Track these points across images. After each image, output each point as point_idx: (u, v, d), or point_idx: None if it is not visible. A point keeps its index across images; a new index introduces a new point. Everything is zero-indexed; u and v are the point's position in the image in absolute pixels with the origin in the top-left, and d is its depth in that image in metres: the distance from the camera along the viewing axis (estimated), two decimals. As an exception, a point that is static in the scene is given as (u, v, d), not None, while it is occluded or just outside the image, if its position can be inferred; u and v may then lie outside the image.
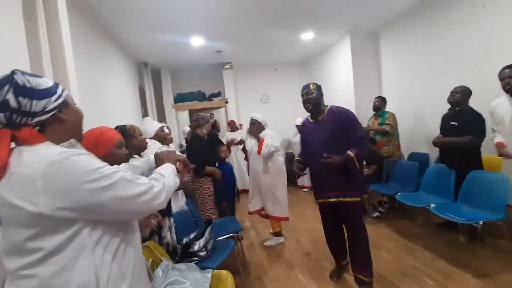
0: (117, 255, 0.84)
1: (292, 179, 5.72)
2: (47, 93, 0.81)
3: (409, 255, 2.55)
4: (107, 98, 3.19)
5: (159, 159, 1.17)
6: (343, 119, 2.02)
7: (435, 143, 2.88)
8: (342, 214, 2.12)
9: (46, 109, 0.80)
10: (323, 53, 5.58)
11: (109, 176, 0.78)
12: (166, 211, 1.82)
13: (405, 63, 4.20)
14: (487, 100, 2.57)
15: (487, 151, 2.71)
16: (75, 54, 2.11)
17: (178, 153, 3.12)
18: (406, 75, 4.18)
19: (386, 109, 3.87)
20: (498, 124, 2.46)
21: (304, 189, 5.32)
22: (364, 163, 3.81)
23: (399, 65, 4.33)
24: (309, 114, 2.25)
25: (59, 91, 0.84)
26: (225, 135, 5.30)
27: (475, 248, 2.49)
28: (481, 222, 2.22)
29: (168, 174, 1.00)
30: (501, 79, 2.34)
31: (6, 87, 0.74)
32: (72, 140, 0.86)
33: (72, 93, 1.93)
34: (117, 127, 1.84)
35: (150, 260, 1.57)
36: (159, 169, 1.03)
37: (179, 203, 2.29)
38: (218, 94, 6.09)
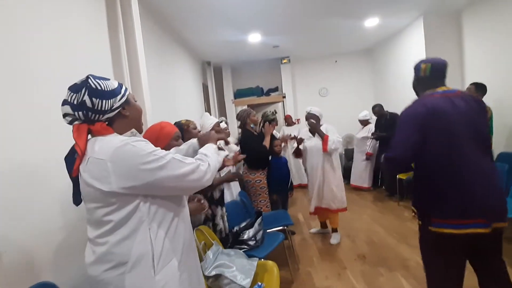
0: (169, 231, 0.97)
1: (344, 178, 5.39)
2: (113, 93, 0.96)
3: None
4: (176, 95, 3.55)
5: (202, 141, 1.29)
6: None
7: None
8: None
9: (113, 107, 0.95)
10: (390, 39, 5.06)
11: (162, 158, 0.90)
12: (219, 200, 1.96)
13: (494, 49, 3.49)
14: None
15: None
16: (148, 57, 2.42)
17: (234, 146, 3.29)
18: (496, 63, 3.47)
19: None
20: None
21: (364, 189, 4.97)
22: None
23: (487, 51, 3.61)
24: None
25: (122, 91, 0.99)
26: (281, 130, 5.33)
27: None
28: None
29: (211, 153, 1.10)
30: None
31: (83, 90, 0.91)
32: (133, 130, 1.01)
33: (143, 92, 2.23)
34: (175, 123, 2.06)
35: (203, 242, 1.72)
36: (203, 149, 1.14)
37: (232, 194, 2.42)
38: (275, 89, 6.13)
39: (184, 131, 1.98)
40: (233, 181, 2.36)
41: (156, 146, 0.98)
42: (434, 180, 1.39)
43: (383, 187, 4.71)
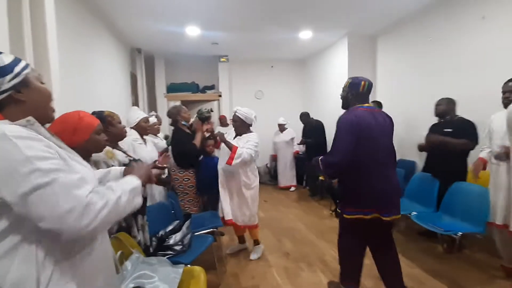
0: (65, 250, 0.76)
1: (273, 179, 5.72)
2: (1, 71, 0.74)
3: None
4: (95, 80, 3.10)
5: (128, 173, 1.04)
6: None
7: (429, 140, 2.78)
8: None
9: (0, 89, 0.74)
10: (321, 53, 5.54)
11: (44, 173, 0.67)
12: (138, 210, 1.75)
13: (400, 69, 4.19)
14: (479, 111, 2.62)
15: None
16: (60, 32, 2.02)
17: (163, 144, 3.03)
18: (400, 81, 4.17)
19: None
20: (491, 140, 2.31)
21: (291, 189, 5.31)
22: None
23: (394, 71, 4.32)
24: None
25: (17, 69, 0.78)
26: (216, 130, 5.24)
27: (452, 259, 2.51)
28: (459, 234, 2.24)
29: (124, 190, 0.83)
30: (503, 92, 2.17)
31: None
32: (31, 118, 0.76)
33: (51, 72, 1.85)
34: (94, 113, 1.77)
35: (119, 252, 1.52)
36: (120, 182, 0.88)
37: (154, 196, 2.23)
38: (212, 87, 6.01)
39: (107, 123, 1.72)
40: (159, 185, 2.13)
41: (73, 139, 0.80)
42: (352, 179, 1.78)
43: (307, 187, 5.12)
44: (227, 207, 2.57)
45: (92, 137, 1.34)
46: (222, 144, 2.51)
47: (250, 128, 2.64)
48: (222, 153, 2.59)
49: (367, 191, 1.74)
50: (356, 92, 1.85)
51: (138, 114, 2.36)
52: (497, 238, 2.23)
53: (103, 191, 0.77)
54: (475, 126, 2.60)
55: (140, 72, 5.03)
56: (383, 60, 4.57)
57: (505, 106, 2.13)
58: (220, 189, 2.60)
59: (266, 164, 6.07)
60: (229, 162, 2.39)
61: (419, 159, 3.65)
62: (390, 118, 1.92)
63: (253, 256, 2.67)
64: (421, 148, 2.93)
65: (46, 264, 0.72)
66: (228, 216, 2.57)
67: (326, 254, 2.76)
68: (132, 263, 1.50)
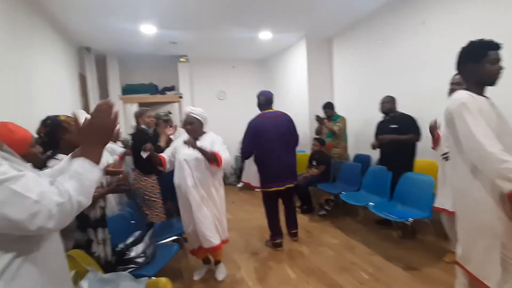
0: (4, 275, 0.67)
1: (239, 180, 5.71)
2: None
3: (349, 251, 2.71)
4: (35, 82, 2.77)
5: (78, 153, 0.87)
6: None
7: (381, 140, 3.03)
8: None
9: None
10: (281, 54, 5.66)
11: None
12: (99, 221, 1.62)
13: (353, 70, 4.46)
14: (420, 107, 2.95)
15: (420, 155, 3.00)
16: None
17: (117, 148, 2.84)
18: (355, 81, 4.44)
19: (338, 113, 4.05)
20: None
21: (256, 189, 5.33)
22: (314, 163, 3.96)
23: (349, 71, 4.58)
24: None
25: None
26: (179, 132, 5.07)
27: (406, 243, 2.74)
28: (410, 220, 2.45)
29: (79, 178, 0.75)
30: (451, 83, 2.20)
31: None
32: None
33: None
34: (48, 118, 1.58)
35: (73, 272, 1.38)
36: (74, 165, 0.78)
37: (112, 206, 2.07)
38: (172, 88, 5.78)
39: (63, 130, 1.54)
40: (119, 192, 1.93)
41: None
42: (260, 163, 2.81)
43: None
44: (193, 232, 2.19)
45: (30, 151, 1.20)
46: (178, 155, 2.19)
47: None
48: (179, 165, 2.19)
49: (267, 170, 2.76)
50: (259, 103, 2.89)
51: (85, 118, 2.11)
52: (445, 224, 2.33)
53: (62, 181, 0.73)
54: (415, 121, 2.91)
55: (90, 72, 4.64)
56: (338, 61, 4.81)
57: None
58: (182, 213, 2.22)
59: (231, 165, 6.03)
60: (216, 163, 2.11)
61: (373, 153, 3.92)
62: (288, 117, 2.88)
63: (221, 276, 2.35)
64: (373, 147, 3.16)
65: None
66: (196, 243, 2.24)
67: (294, 249, 2.83)
68: (89, 282, 1.38)
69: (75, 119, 0.89)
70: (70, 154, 0.97)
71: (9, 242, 0.69)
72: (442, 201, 2.26)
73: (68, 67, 3.87)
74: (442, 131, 2.26)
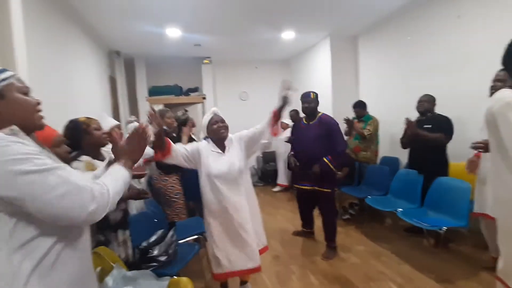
0: (42, 265, 0.72)
1: (269, 179, 5.68)
2: None
3: (376, 259, 2.57)
4: (70, 85, 2.94)
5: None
6: (328, 126, 2.62)
7: (408, 128, 2.78)
8: (316, 199, 2.80)
9: None
10: (304, 53, 5.56)
11: (39, 165, 0.70)
12: (120, 223, 1.65)
13: (381, 69, 4.26)
14: (455, 108, 2.74)
15: (454, 158, 2.79)
16: (29, 36, 1.89)
17: (148, 152, 2.93)
18: (382, 80, 4.24)
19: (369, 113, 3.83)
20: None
21: (274, 189, 5.27)
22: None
23: (376, 70, 4.39)
24: (305, 116, 2.83)
25: None
26: (202, 133, 5.15)
27: (439, 253, 2.55)
28: (444, 228, 2.28)
29: (116, 178, 0.89)
30: (493, 80, 2.00)
31: None
32: (14, 127, 0.77)
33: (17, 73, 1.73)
34: (70, 121, 1.65)
35: (99, 268, 1.43)
36: (110, 171, 0.92)
37: (133, 207, 2.12)
38: (195, 89, 5.90)
39: (83, 132, 1.60)
40: (139, 199, 1.87)
41: None
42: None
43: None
44: (224, 253, 1.88)
45: (54, 151, 1.24)
46: (203, 143, 1.98)
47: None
48: (209, 182, 1.86)
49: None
50: (318, 105, 2.75)
51: (108, 121, 2.06)
52: (484, 230, 2.18)
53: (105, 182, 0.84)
54: (450, 122, 2.68)
55: (120, 75, 4.86)
56: (365, 60, 4.63)
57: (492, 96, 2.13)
58: (214, 227, 1.88)
59: (253, 166, 6.03)
60: (275, 133, 2.00)
61: (402, 155, 3.71)
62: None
63: None
64: (402, 139, 2.97)
65: (16, 278, 0.70)
66: (231, 265, 1.89)
67: (315, 254, 2.74)
68: (114, 279, 1.41)
69: (117, 133, 1.05)
70: (84, 166, 1.09)
71: (53, 229, 0.75)
72: (480, 204, 2.08)
73: (99, 70, 4.07)
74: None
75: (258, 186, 5.63)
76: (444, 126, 2.68)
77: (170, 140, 1.82)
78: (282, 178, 5.21)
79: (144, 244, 1.83)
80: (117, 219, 1.61)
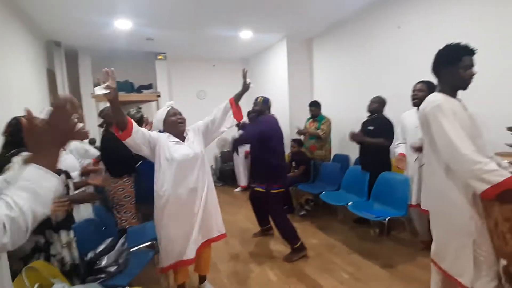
0: None
1: (227, 179, 5.64)
2: None
3: (329, 251, 2.73)
4: (0, 79, 2.55)
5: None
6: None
7: (352, 139, 3.10)
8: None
9: None
10: (263, 53, 5.64)
11: None
12: (63, 223, 1.50)
13: (333, 71, 4.53)
14: (399, 109, 2.91)
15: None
16: None
17: (93, 150, 2.67)
18: (334, 82, 4.51)
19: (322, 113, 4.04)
20: (404, 135, 2.64)
21: (236, 190, 5.28)
22: (294, 164, 3.97)
23: (328, 72, 4.65)
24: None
25: None
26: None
27: (383, 241, 2.81)
28: (387, 218, 2.51)
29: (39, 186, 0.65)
30: (412, 91, 2.44)
31: None
32: None
33: None
34: (13, 118, 1.53)
35: (37, 285, 1.27)
36: (21, 179, 0.65)
37: (80, 213, 1.93)
38: (149, 86, 5.58)
39: (22, 128, 1.43)
40: (89, 202, 1.82)
41: None
42: (275, 164, 2.68)
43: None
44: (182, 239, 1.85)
45: None
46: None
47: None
48: (172, 166, 1.83)
49: (281, 171, 2.77)
50: (267, 106, 2.89)
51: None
52: (414, 217, 2.57)
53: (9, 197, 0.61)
54: (392, 125, 2.93)
55: (60, 68, 4.36)
56: (319, 62, 4.87)
57: (414, 104, 2.44)
58: (175, 222, 1.82)
59: (212, 166, 5.94)
60: (238, 118, 2.21)
61: (352, 153, 4.00)
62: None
63: None
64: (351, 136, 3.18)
65: None
66: (192, 252, 1.86)
67: (274, 250, 2.81)
68: (53, 296, 1.27)
69: (27, 117, 0.71)
70: (22, 160, 0.88)
71: None
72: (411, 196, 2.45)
73: (34, 62, 3.60)
74: (411, 128, 2.43)
75: (217, 186, 5.53)
76: (385, 130, 2.91)
77: (131, 119, 1.74)
78: (242, 179, 5.22)
79: (91, 254, 1.67)
80: (58, 218, 1.46)
